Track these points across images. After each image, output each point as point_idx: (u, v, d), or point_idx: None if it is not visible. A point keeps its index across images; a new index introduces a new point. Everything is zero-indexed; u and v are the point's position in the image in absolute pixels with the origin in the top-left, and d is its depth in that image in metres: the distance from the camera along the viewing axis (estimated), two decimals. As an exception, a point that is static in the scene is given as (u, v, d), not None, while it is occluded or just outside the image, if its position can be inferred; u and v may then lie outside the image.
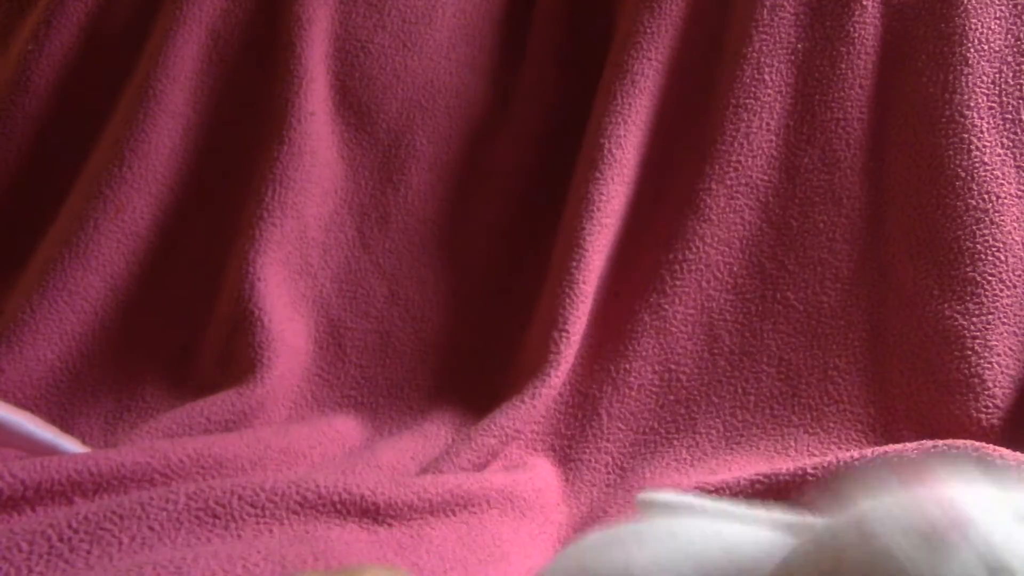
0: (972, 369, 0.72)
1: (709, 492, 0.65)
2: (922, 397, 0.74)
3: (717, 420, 0.76)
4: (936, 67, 0.80)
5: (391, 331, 0.86)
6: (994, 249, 0.75)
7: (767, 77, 0.83)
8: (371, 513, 0.58)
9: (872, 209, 0.81)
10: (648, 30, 0.85)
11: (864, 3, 0.84)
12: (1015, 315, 0.74)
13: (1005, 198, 0.77)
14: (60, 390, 0.82)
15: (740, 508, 0.38)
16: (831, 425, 0.75)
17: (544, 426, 0.78)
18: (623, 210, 0.84)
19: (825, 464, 0.65)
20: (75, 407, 0.82)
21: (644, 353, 0.79)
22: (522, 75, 0.92)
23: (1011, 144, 0.78)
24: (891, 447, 0.64)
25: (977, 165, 0.77)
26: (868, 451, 0.65)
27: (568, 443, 0.78)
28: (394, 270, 0.88)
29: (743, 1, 0.86)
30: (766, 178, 0.82)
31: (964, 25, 0.80)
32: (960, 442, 0.62)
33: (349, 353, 0.85)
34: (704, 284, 0.81)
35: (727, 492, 0.65)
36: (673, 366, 0.79)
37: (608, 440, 0.77)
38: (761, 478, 0.65)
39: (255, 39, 0.94)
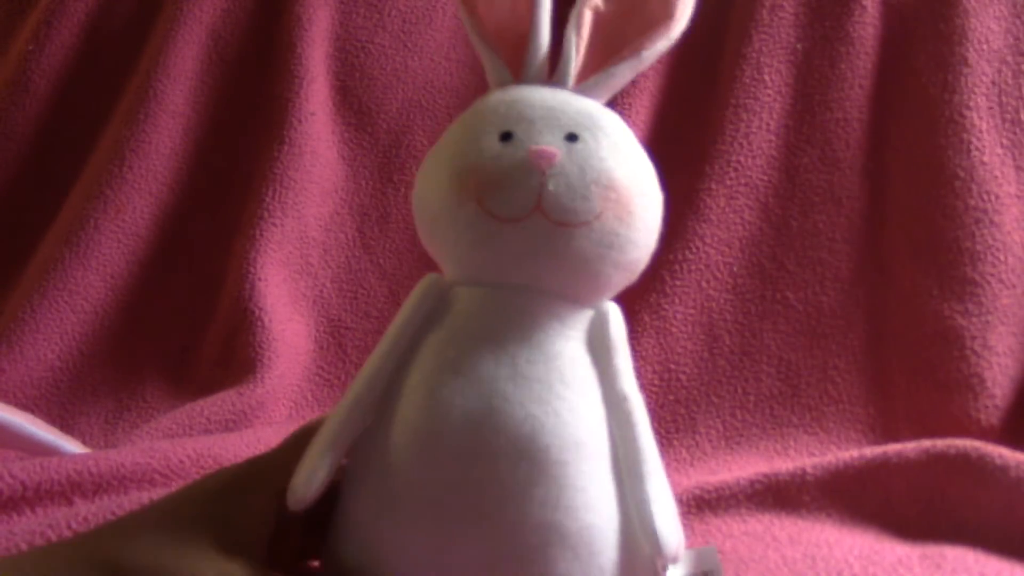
0: (972, 369, 0.72)
1: (709, 492, 0.65)
2: (922, 397, 0.74)
3: (717, 420, 0.76)
4: (936, 67, 0.80)
5: (391, 331, 0.86)
6: (994, 249, 0.75)
7: (767, 77, 0.83)
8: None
9: (872, 209, 0.81)
10: (648, 30, 0.85)
11: (864, 3, 0.84)
12: (1015, 315, 0.74)
13: (1005, 198, 0.77)
14: (60, 390, 0.82)
15: None
16: (831, 425, 0.75)
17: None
18: (623, 210, 0.84)
19: (825, 464, 0.65)
20: (75, 407, 0.82)
21: (644, 353, 0.79)
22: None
23: (1011, 144, 0.78)
24: (891, 447, 0.65)
25: (977, 165, 0.77)
26: (868, 451, 0.65)
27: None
28: (394, 270, 0.88)
29: (743, 1, 0.86)
30: (766, 178, 0.82)
31: (964, 25, 0.80)
32: (960, 442, 0.62)
33: (349, 353, 0.85)
34: (704, 284, 0.81)
35: (727, 492, 0.65)
36: (673, 366, 0.79)
37: (608, 440, 0.77)
38: (761, 478, 0.65)
39: (255, 39, 0.94)
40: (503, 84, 0.42)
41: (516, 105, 0.39)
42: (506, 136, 0.38)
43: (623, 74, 0.41)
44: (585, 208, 0.37)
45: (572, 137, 0.38)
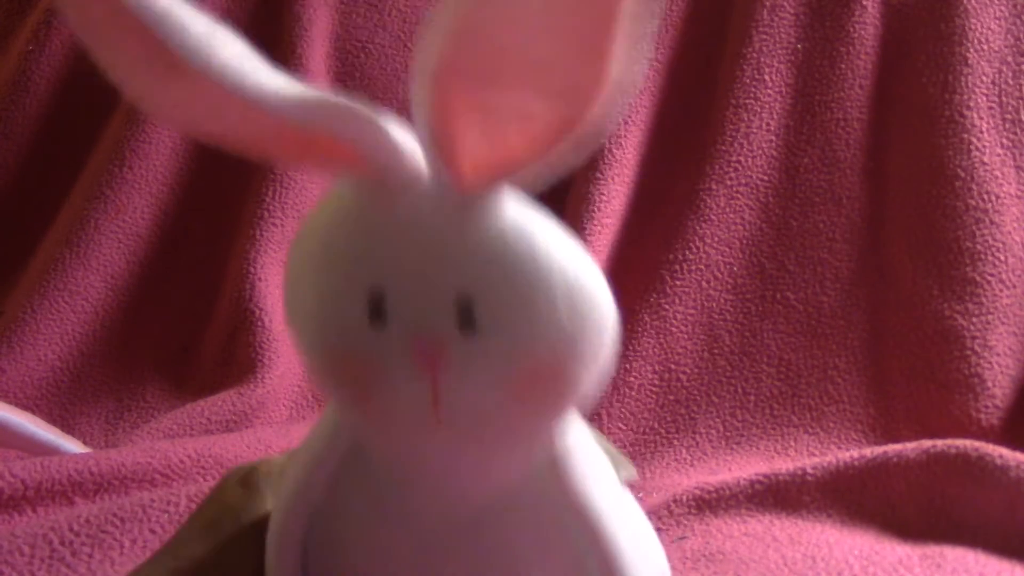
0: (972, 369, 0.72)
1: (709, 492, 0.65)
2: (922, 397, 0.74)
3: (717, 420, 0.76)
4: (936, 67, 0.80)
5: (391, 331, 0.86)
6: (994, 249, 0.75)
7: (767, 77, 0.83)
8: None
9: (872, 209, 0.81)
10: (648, 30, 0.85)
11: (864, 3, 0.84)
12: (1015, 315, 0.74)
13: (1005, 198, 0.77)
14: (60, 390, 0.82)
15: None
16: (831, 425, 0.75)
17: (544, 426, 0.78)
18: (623, 210, 0.84)
19: (825, 464, 0.65)
20: (76, 407, 0.82)
21: (644, 353, 0.79)
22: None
23: (1011, 144, 0.78)
24: (891, 447, 0.64)
25: (977, 165, 0.77)
26: (868, 451, 0.65)
27: (568, 443, 0.77)
28: (394, 270, 0.88)
29: (743, 1, 0.86)
30: (766, 178, 0.83)
31: (964, 25, 0.80)
32: (960, 442, 0.62)
33: (349, 353, 0.85)
34: (704, 284, 0.81)
35: (727, 492, 0.65)
36: (673, 366, 0.79)
37: (608, 440, 0.77)
38: (761, 478, 0.65)
39: (255, 39, 0.94)
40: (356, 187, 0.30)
41: (382, 240, 0.28)
42: (376, 304, 0.28)
43: (525, 176, 0.27)
44: (499, 414, 0.28)
45: (465, 307, 0.27)
